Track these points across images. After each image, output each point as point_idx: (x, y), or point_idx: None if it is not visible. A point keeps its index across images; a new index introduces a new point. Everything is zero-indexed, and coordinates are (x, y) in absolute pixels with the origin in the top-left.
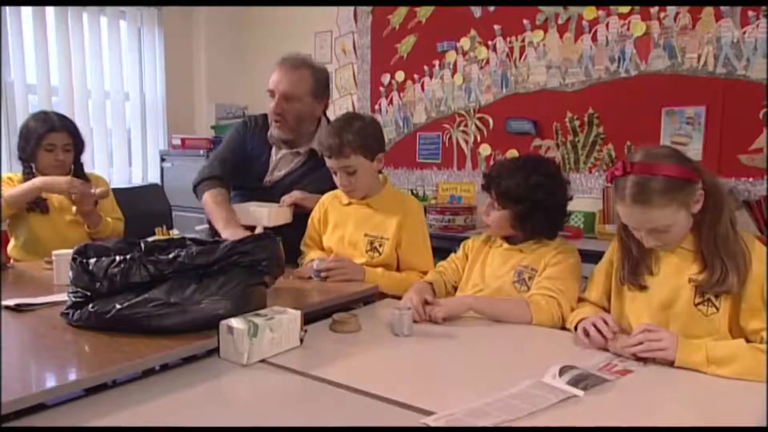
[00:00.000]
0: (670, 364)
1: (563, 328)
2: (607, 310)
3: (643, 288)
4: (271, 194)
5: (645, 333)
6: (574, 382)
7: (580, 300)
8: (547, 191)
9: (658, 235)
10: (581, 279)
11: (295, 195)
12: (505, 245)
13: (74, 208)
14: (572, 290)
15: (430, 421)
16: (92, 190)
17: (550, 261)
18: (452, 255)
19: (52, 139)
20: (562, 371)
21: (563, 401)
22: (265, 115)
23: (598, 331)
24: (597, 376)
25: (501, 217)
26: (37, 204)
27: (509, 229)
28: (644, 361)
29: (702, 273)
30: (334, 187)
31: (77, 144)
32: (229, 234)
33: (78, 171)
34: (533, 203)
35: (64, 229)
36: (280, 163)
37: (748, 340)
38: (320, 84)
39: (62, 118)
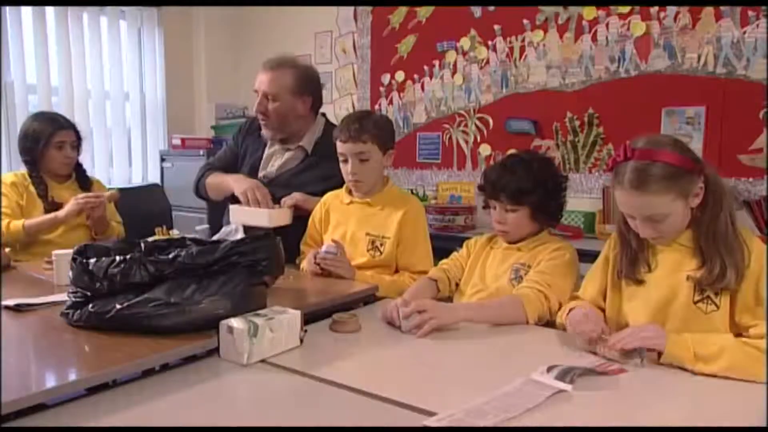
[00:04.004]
0: (658, 356)
1: (548, 324)
2: (603, 309)
3: (640, 282)
4: (268, 189)
5: (631, 327)
6: (561, 376)
7: (575, 298)
8: (551, 171)
9: (654, 225)
10: (578, 278)
11: (296, 197)
12: (505, 245)
13: (87, 216)
14: (561, 286)
15: (432, 423)
16: (101, 198)
17: (545, 257)
18: (455, 253)
19: (61, 136)
20: (550, 369)
21: (558, 397)
22: None
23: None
24: (582, 367)
25: (520, 216)
26: (53, 207)
27: (529, 226)
28: (641, 359)
29: (700, 269)
30: (328, 187)
31: (80, 143)
32: (239, 183)
33: (80, 173)
34: (545, 188)
35: (68, 231)
36: (273, 157)
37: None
38: (301, 81)
39: (63, 116)
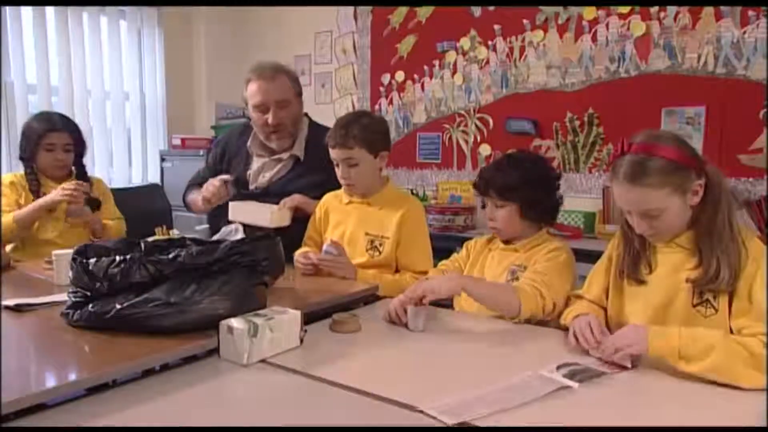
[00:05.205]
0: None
1: (542, 323)
2: (606, 308)
3: (641, 283)
4: (261, 200)
5: (609, 338)
6: (570, 376)
7: (578, 297)
8: (541, 168)
9: (650, 220)
10: (577, 278)
11: (296, 198)
12: (502, 245)
13: (67, 211)
14: (557, 285)
15: (425, 408)
16: (81, 188)
17: (541, 258)
18: (455, 254)
19: (52, 138)
20: (560, 367)
21: (555, 393)
22: (244, 125)
23: (586, 338)
24: (594, 369)
25: (508, 212)
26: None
27: (519, 223)
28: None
29: (698, 270)
30: (323, 193)
31: (78, 144)
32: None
33: (80, 173)
34: (535, 185)
35: (68, 231)
36: (263, 170)
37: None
38: (297, 82)
39: (64, 118)
